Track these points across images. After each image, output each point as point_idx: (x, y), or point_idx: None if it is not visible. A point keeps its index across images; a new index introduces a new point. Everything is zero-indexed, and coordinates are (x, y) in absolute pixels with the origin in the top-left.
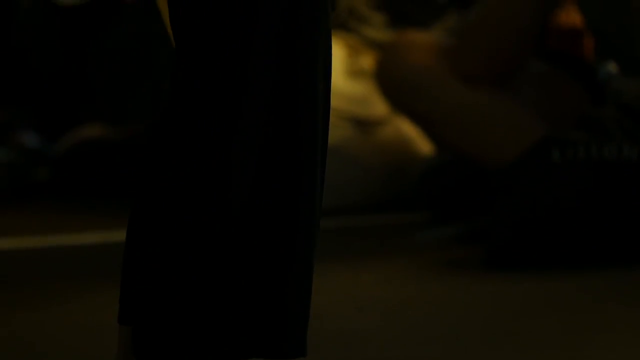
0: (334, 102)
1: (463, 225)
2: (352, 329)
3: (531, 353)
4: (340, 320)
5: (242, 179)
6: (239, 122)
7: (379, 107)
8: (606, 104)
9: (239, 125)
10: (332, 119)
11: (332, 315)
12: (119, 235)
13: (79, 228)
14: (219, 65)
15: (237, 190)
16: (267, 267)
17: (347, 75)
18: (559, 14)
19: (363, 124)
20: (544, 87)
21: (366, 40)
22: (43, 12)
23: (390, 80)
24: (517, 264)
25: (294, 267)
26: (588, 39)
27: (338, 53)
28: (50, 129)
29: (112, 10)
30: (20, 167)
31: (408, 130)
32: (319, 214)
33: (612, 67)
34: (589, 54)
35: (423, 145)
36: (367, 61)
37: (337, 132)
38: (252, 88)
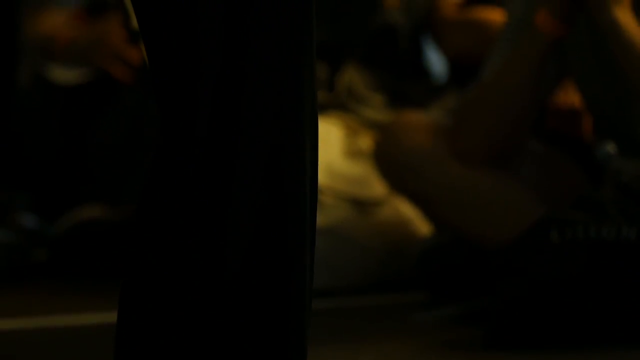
0: (332, 182)
1: (462, 305)
2: None
3: None
4: None
5: (230, 273)
6: (226, 228)
7: (377, 187)
8: (605, 185)
9: (227, 227)
10: (329, 199)
11: None
12: None
13: (78, 309)
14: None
15: (224, 280)
16: (259, 353)
17: (345, 155)
18: (558, 95)
19: (361, 204)
20: (543, 167)
21: (364, 120)
22: (42, 92)
23: (389, 160)
24: (516, 344)
25: (288, 353)
26: (587, 120)
27: (336, 133)
28: (48, 210)
29: (112, 91)
30: (18, 248)
31: (406, 210)
32: (309, 307)
33: (610, 148)
34: (588, 134)
35: (421, 225)
36: (366, 141)
37: (335, 212)
38: (238, 196)
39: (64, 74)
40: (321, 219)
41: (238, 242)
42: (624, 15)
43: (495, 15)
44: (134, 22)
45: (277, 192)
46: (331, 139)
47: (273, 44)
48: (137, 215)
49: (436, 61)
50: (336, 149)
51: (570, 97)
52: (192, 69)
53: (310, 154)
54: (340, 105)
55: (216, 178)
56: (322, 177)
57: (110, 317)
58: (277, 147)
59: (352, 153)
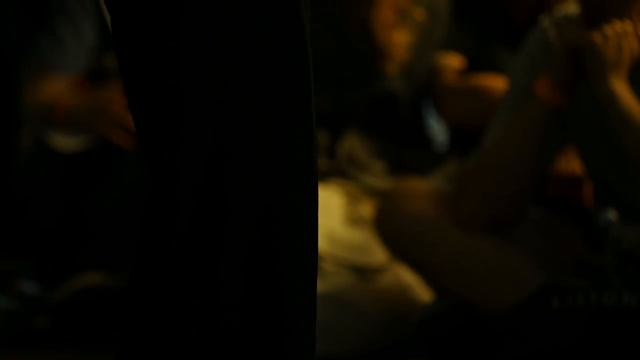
0: (333, 249)
1: None
2: None
3: None
4: None
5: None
6: (218, 290)
7: (378, 254)
8: (606, 251)
9: (218, 293)
10: (330, 266)
11: None
12: None
13: None
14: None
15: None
16: None
17: (346, 222)
18: (559, 161)
19: (362, 272)
20: (544, 234)
21: (365, 187)
22: (44, 159)
23: (390, 228)
24: None
25: None
26: (588, 186)
27: (337, 200)
28: (50, 277)
29: (112, 158)
30: (20, 315)
31: (407, 277)
32: None
33: (611, 214)
34: (589, 200)
35: (422, 292)
36: (367, 209)
37: (336, 279)
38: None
39: (65, 141)
40: (322, 285)
41: (229, 307)
42: (620, 86)
43: (496, 83)
44: None
45: (267, 250)
46: (332, 206)
47: (260, 119)
48: (130, 280)
49: (437, 128)
50: (337, 216)
51: (571, 163)
52: (177, 146)
53: (304, 213)
54: (341, 172)
55: (204, 249)
56: (323, 244)
57: None
58: (265, 210)
59: (353, 220)
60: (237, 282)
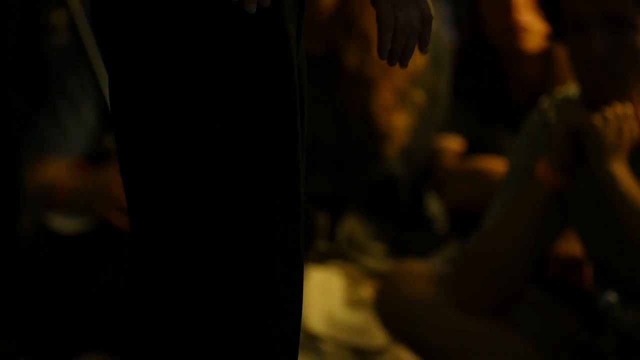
0: (333, 331)
1: None
2: None
3: None
4: None
5: None
6: None
7: (378, 336)
8: (606, 333)
9: None
10: (331, 348)
11: None
12: None
13: None
14: None
15: None
16: None
17: (347, 304)
18: (559, 243)
19: (362, 354)
20: (544, 316)
21: (365, 269)
22: (43, 241)
23: (390, 309)
24: None
25: None
26: (587, 268)
27: (337, 282)
28: (50, 359)
29: (112, 239)
30: None
31: (408, 359)
32: None
33: (611, 297)
34: (589, 283)
35: None
36: (367, 291)
37: None
38: None
39: (65, 223)
40: None
41: None
42: (620, 169)
43: (496, 165)
44: None
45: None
46: (332, 287)
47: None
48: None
49: (437, 211)
50: (337, 298)
51: (571, 246)
52: (156, 228)
53: (286, 306)
54: (341, 255)
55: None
56: (323, 326)
57: None
58: (244, 301)
59: (353, 302)
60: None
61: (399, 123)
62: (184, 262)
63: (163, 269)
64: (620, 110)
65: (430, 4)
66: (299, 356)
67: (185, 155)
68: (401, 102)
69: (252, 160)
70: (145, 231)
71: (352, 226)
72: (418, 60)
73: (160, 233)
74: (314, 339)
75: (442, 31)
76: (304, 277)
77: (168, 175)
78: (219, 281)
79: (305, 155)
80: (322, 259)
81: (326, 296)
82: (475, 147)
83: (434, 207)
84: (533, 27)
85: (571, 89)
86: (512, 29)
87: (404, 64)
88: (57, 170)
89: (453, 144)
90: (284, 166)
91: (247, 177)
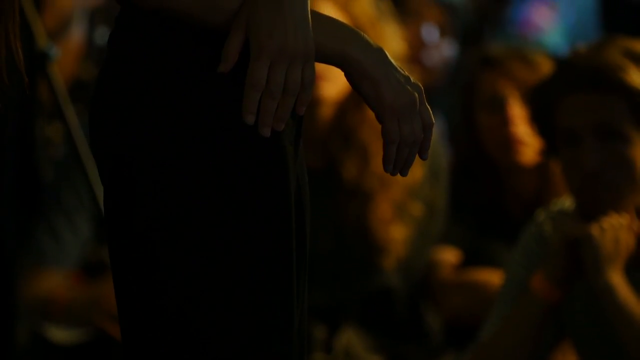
0: None
1: None
2: None
3: None
4: None
5: None
6: None
7: None
8: None
9: None
10: None
11: None
12: None
13: None
14: None
15: None
16: None
17: None
18: (555, 355)
19: None
20: None
21: None
22: (41, 352)
23: None
24: None
25: None
26: None
27: None
28: None
29: (109, 350)
30: None
31: None
32: None
33: None
34: None
35: None
36: None
37: None
38: None
39: (62, 334)
40: None
41: None
42: (618, 279)
43: (492, 277)
44: None
45: None
46: None
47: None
48: None
49: (433, 323)
50: None
51: (567, 356)
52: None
53: None
54: None
55: None
56: None
57: None
58: None
59: None
60: None
61: (397, 235)
62: None
63: None
64: (616, 221)
65: (430, 112)
66: None
67: (177, 277)
68: (399, 215)
69: (244, 285)
70: (138, 346)
71: (350, 338)
72: (416, 172)
73: (152, 349)
74: None
75: (439, 144)
76: None
77: (160, 297)
78: None
79: (307, 270)
80: None
81: None
82: (472, 259)
83: (431, 319)
84: (529, 140)
85: (567, 202)
86: (509, 142)
87: (404, 173)
88: (53, 282)
89: (450, 255)
90: (275, 294)
91: (238, 302)
